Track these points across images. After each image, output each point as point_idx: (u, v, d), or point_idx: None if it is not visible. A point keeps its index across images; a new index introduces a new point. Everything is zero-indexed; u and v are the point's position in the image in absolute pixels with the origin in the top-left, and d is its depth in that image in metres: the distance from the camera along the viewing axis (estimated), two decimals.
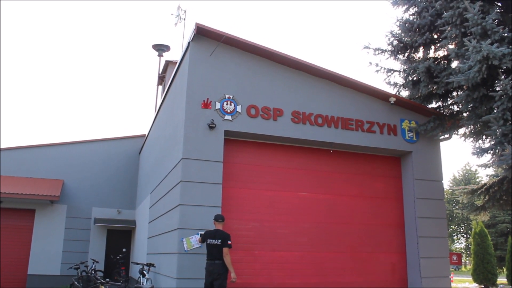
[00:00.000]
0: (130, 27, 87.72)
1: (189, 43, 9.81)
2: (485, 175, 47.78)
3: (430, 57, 11.32)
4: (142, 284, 11.28)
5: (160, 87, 19.56)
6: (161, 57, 19.81)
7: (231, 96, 9.81)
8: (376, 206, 11.10)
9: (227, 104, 9.73)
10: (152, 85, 27.57)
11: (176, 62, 14.31)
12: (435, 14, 10.59)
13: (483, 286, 19.30)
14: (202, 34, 9.71)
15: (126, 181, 19.00)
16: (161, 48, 19.79)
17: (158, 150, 13.39)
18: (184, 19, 16.65)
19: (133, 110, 75.64)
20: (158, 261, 11.22)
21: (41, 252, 17.04)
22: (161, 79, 19.06)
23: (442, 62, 11.25)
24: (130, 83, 78.82)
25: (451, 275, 12.83)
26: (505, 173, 9.55)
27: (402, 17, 11.44)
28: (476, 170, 45.76)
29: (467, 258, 49.60)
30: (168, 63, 17.27)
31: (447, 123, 10.93)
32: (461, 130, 11.19)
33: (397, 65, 12.00)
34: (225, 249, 7.86)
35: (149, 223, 13.83)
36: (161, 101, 13.86)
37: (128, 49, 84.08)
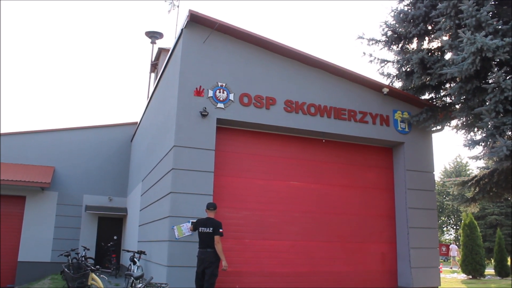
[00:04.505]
0: (123, 14, 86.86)
1: (182, 30, 9.71)
2: (475, 167, 48.13)
3: (424, 49, 11.32)
4: (133, 271, 11.27)
5: (153, 75, 19.43)
6: (154, 44, 19.67)
7: (224, 84, 9.75)
8: (367, 197, 11.15)
9: (219, 92, 9.67)
10: (145, 72, 27.45)
11: (169, 50, 14.19)
12: (430, 5, 10.57)
13: (471, 277, 19.55)
14: (196, 21, 9.62)
15: (118, 169, 18.94)
16: (154, 35, 19.64)
17: (150, 138, 13.33)
18: (178, 6, 16.63)
19: (125, 97, 75.22)
20: (149, 249, 11.21)
21: (32, 239, 16.97)
22: (154, 66, 18.92)
23: (436, 54, 11.24)
24: (122, 71, 78.29)
25: (440, 266, 12.97)
26: (496, 165, 9.63)
27: (397, 8, 11.40)
28: (467, 162, 46.06)
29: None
30: (161, 51, 17.14)
31: (440, 115, 10.96)
32: (453, 122, 11.24)
33: (390, 55, 11.99)
34: (216, 237, 7.87)
35: (140, 210, 13.81)
36: (154, 88, 13.76)
37: (120, 36, 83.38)
